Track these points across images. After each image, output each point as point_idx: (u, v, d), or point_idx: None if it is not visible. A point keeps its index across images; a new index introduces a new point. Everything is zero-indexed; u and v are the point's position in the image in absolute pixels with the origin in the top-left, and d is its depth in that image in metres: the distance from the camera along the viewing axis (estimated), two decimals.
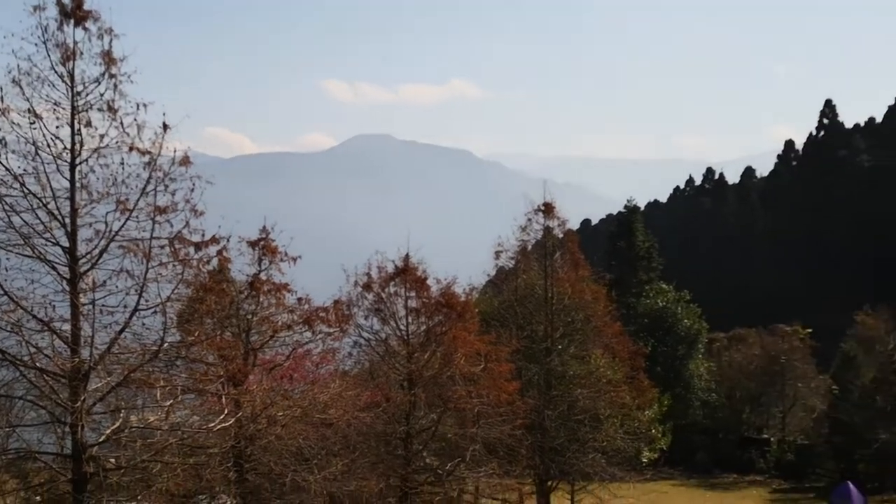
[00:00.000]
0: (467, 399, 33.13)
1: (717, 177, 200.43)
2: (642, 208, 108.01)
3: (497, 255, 46.07)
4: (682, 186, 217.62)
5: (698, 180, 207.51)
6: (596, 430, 43.92)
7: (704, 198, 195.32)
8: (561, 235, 46.49)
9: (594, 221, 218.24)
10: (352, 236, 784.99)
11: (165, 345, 20.20)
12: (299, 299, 28.67)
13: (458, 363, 32.88)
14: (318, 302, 29.62)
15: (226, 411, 22.07)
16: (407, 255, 34.19)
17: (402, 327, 34.60)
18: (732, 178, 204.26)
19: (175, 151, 19.63)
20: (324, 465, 27.53)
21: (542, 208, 44.72)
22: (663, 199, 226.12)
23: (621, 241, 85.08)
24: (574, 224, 63.56)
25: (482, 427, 34.01)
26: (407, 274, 33.95)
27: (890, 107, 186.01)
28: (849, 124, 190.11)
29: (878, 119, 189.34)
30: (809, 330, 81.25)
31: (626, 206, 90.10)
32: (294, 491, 27.87)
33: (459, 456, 34.20)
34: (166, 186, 19.65)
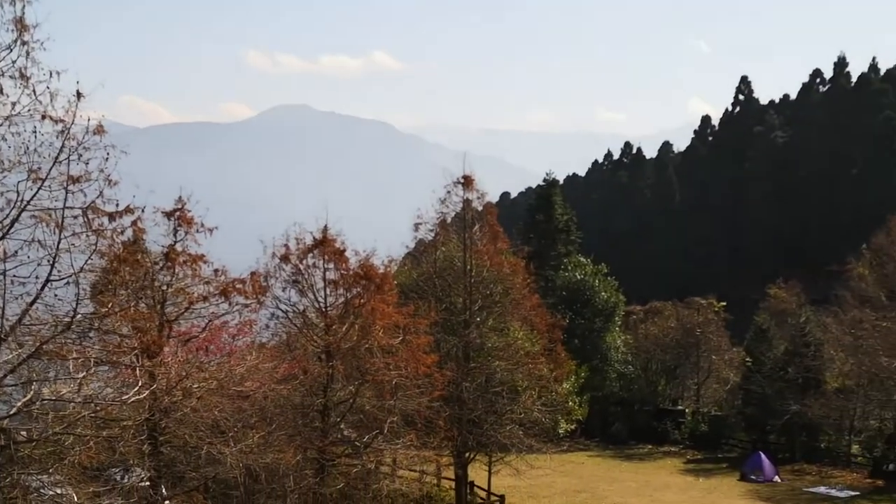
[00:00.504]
0: (385, 371, 33.11)
1: (634, 151, 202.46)
2: (561, 182, 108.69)
3: (416, 227, 45.98)
4: (600, 160, 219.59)
5: (617, 154, 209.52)
6: (513, 401, 44.18)
7: (622, 171, 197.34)
8: (480, 208, 46.50)
9: (513, 194, 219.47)
10: (270, 207, 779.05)
11: (78, 316, 19.82)
12: (216, 270, 28.38)
13: (376, 335, 32.84)
14: (235, 273, 29.37)
15: (140, 383, 21.77)
16: (325, 227, 34.00)
17: (320, 299, 34.44)
18: (650, 152, 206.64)
19: (89, 120, 19.17)
20: (240, 438, 27.35)
21: (462, 181, 44.68)
22: (582, 172, 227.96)
23: (540, 215, 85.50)
24: (493, 197, 63.95)
25: (400, 399, 34.02)
26: (325, 245, 33.76)
27: (804, 84, 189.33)
28: (764, 101, 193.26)
29: (793, 96, 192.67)
30: (724, 303, 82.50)
31: (544, 180, 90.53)
32: (209, 464, 27.68)
33: (377, 428, 34.20)
34: (80, 156, 19.21)
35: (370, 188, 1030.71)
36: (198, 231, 27.77)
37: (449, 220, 46.77)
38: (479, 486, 49.64)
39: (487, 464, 47.26)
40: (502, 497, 48.67)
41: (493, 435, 43.37)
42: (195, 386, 25.59)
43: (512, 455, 44.70)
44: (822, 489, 56.01)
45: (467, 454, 44.78)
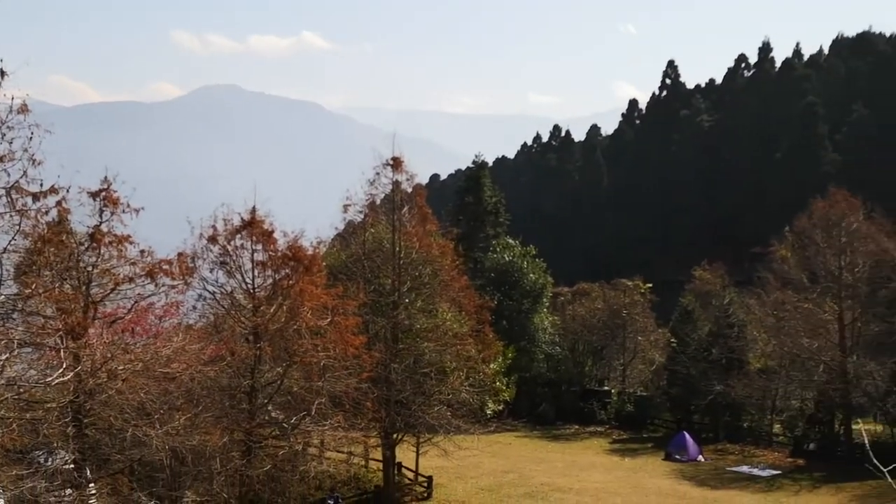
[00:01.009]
0: (313, 352, 33.11)
1: (563, 134, 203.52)
2: (490, 164, 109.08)
3: (345, 208, 45.85)
4: (529, 143, 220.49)
5: (546, 137, 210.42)
6: (441, 382, 44.36)
7: (551, 154, 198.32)
8: (409, 190, 46.58)
9: (443, 176, 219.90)
10: (198, 188, 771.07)
11: (1, 297, 19.64)
12: (142, 251, 28.19)
13: (304, 316, 32.82)
14: (162, 254, 29.17)
15: (64, 365, 21.62)
16: (254, 208, 33.86)
17: (248, 280, 34.33)
18: (579, 135, 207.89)
19: (13, 99, 18.98)
20: (166, 420, 27.23)
21: (391, 163, 44.67)
22: (512, 155, 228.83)
23: (469, 197, 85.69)
24: (423, 179, 63.84)
25: (328, 380, 34.05)
26: (253, 227, 33.64)
27: (729, 69, 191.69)
28: (690, 85, 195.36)
29: (718, 81, 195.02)
30: (650, 285, 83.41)
31: (474, 162, 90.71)
32: (135, 446, 27.53)
33: (305, 409, 34.20)
34: (3, 135, 19.00)
35: (300, 169, 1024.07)
36: (124, 211, 27.55)
37: (378, 201, 46.77)
38: (406, 467, 49.86)
39: (415, 445, 47.44)
40: (430, 478, 48.95)
41: (421, 416, 43.52)
42: (120, 368, 25.43)
43: (440, 436, 44.84)
44: (744, 468, 57.03)
45: (395, 435, 44.91)
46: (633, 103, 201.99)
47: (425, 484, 48.91)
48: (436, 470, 49.68)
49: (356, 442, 42.38)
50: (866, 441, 55.49)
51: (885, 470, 10.69)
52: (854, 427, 59.39)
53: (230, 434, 32.28)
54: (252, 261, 34.17)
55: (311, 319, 32.99)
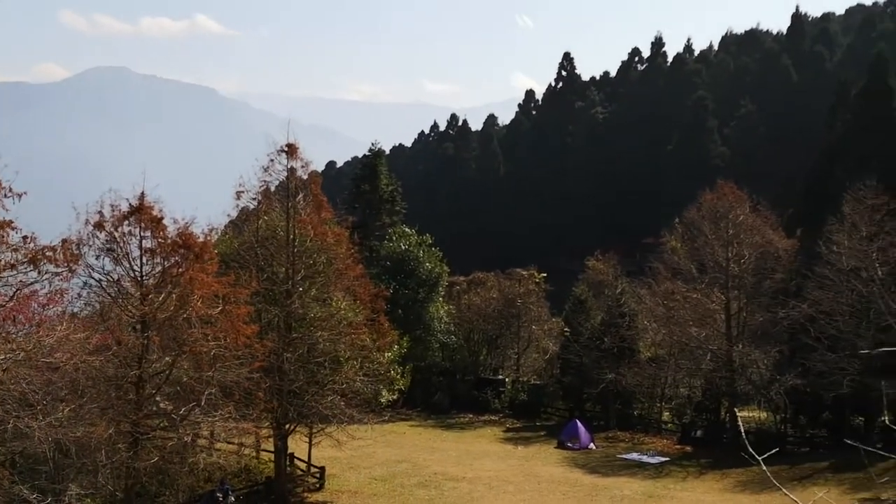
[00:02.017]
0: (203, 342, 32.46)
1: (460, 123, 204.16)
2: (387, 152, 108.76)
3: (238, 195, 45.00)
4: (426, 131, 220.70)
5: (443, 126, 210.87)
6: (335, 372, 44.00)
7: (448, 143, 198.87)
8: (305, 177, 46.02)
9: (339, 164, 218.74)
10: (87, 172, 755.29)
11: None
12: (24, 237, 27.23)
13: (194, 305, 32.14)
14: (47, 240, 28.22)
15: None
16: (142, 194, 33.01)
17: (135, 268, 33.44)
18: (476, 125, 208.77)
19: None
20: (49, 411, 26.42)
21: (286, 149, 44.02)
22: (409, 143, 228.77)
23: (365, 185, 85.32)
24: (319, 166, 63.40)
25: (218, 370, 33.41)
26: (142, 213, 32.79)
27: (623, 62, 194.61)
28: (586, 77, 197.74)
29: (612, 74, 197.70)
30: (545, 274, 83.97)
31: (370, 150, 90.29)
32: (16, 438, 26.66)
33: (194, 400, 33.51)
34: None
35: (192, 154, 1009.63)
36: (6, 196, 26.58)
37: (273, 188, 46.13)
38: (299, 458, 49.42)
39: (308, 435, 47.02)
40: (322, 469, 48.58)
41: (314, 406, 43.10)
42: (1, 357, 24.56)
43: (333, 426, 44.51)
44: (634, 455, 57.79)
45: (287, 426, 44.41)
46: (529, 94, 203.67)
47: (317, 475, 48.53)
48: (328, 460, 49.31)
49: (247, 433, 41.69)
50: (742, 429, 56.85)
51: (759, 458, 10.78)
52: (740, 414, 60.66)
53: (116, 425, 31.49)
54: (140, 248, 33.30)
55: (202, 308, 32.33)
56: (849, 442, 25.56)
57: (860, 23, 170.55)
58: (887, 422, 48.81)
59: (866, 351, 46.52)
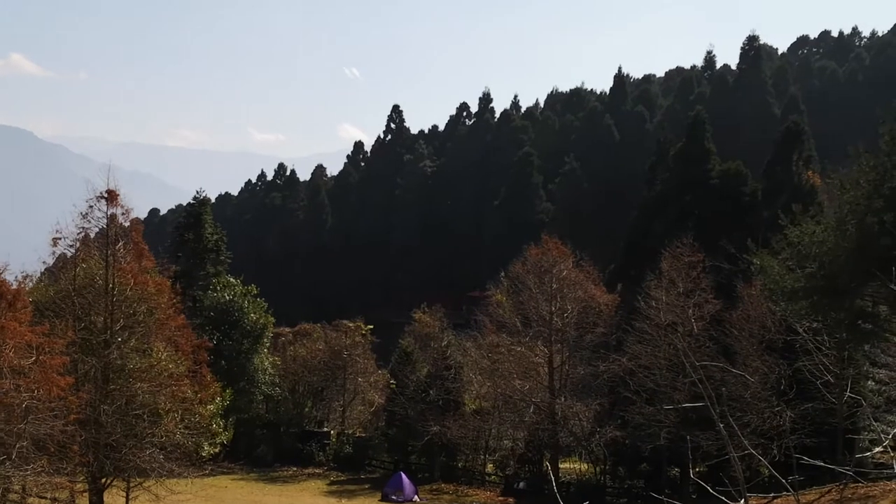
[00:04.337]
0: (15, 393, 31.10)
1: (288, 172, 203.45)
2: (213, 200, 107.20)
3: (55, 242, 43.51)
4: (253, 181, 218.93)
5: (270, 175, 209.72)
6: (155, 424, 42.75)
7: (276, 193, 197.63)
8: (126, 224, 44.87)
9: (163, 211, 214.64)
10: None
11: None
12: None
13: (6, 355, 30.83)
14: None
15: None
16: None
17: None
18: (305, 175, 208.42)
19: None
20: None
21: (106, 195, 42.83)
22: (235, 192, 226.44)
23: (189, 233, 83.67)
24: (141, 213, 62.00)
25: (31, 423, 32.03)
26: None
27: (452, 116, 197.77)
28: (415, 130, 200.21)
29: (441, 127, 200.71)
30: (371, 326, 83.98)
31: (195, 198, 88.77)
32: None
33: (5, 454, 32.03)
34: None
35: (7, 198, 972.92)
36: None
37: (92, 235, 44.82)
38: None
39: (125, 490, 45.46)
40: None
41: (132, 459, 41.72)
42: None
43: (151, 480, 43.21)
44: None
45: (104, 480, 42.83)
46: (358, 145, 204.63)
47: None
48: None
49: (61, 487, 40.08)
50: (553, 482, 58.07)
51: None
52: (562, 466, 61.72)
53: None
54: None
55: (14, 358, 31.03)
56: (665, 493, 26.33)
57: (679, 85, 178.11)
58: (698, 471, 50.60)
59: (671, 406, 48.25)
